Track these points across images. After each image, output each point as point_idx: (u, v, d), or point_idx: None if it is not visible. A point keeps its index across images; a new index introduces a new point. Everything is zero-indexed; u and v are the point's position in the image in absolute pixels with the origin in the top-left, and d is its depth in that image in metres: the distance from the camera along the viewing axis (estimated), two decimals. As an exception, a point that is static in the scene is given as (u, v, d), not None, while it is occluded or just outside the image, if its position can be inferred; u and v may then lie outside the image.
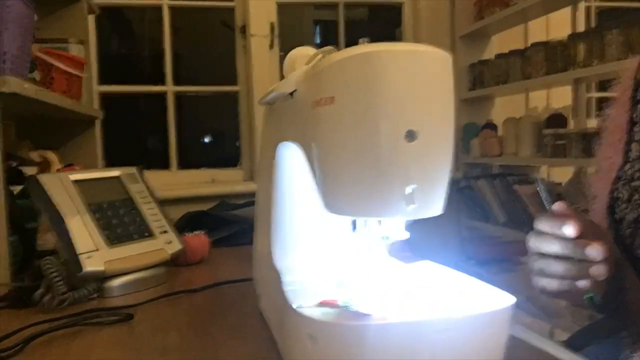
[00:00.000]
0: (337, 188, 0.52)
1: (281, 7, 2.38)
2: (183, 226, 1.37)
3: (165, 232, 1.07)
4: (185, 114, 2.21)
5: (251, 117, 2.13)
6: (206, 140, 2.22)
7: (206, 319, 0.81)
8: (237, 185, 2.12)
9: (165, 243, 1.05)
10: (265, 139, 0.80)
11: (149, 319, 0.81)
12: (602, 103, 0.87)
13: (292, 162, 0.70)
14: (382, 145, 0.48)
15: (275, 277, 0.65)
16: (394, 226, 0.54)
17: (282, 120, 0.67)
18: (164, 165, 2.11)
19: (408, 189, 0.48)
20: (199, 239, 1.15)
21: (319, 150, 0.52)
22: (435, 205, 0.51)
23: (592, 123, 2.50)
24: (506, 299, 0.53)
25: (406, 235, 0.53)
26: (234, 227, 1.36)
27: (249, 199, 1.69)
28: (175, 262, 1.12)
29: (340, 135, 0.50)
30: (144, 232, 1.04)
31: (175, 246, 1.06)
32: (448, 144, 0.50)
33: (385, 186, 0.48)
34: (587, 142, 1.99)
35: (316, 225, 0.72)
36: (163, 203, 1.13)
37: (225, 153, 2.26)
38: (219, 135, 2.26)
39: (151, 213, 1.09)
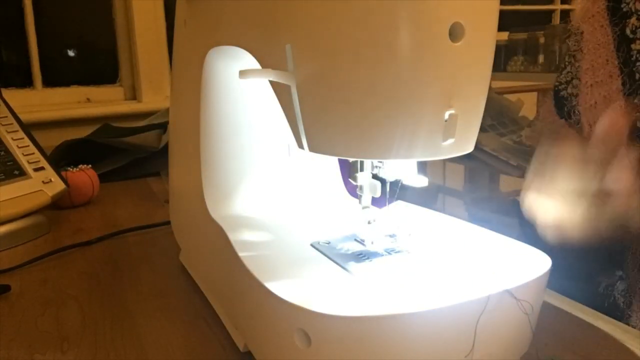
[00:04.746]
0: (328, 115, 0.35)
1: None
2: (60, 158, 1.13)
3: (41, 168, 0.84)
4: (46, 20, 1.83)
5: (130, 22, 1.81)
6: (74, 51, 1.87)
7: (112, 285, 0.62)
8: (118, 106, 1.83)
9: (43, 183, 0.82)
10: (183, 44, 0.59)
11: (33, 289, 0.61)
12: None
13: (229, 76, 0.52)
14: (417, 46, 0.31)
15: (216, 233, 0.48)
16: (403, 168, 0.39)
17: (217, 14, 0.47)
18: (25, 82, 1.76)
19: (446, 114, 0.33)
20: (85, 175, 0.93)
21: (304, 55, 0.34)
22: (470, 140, 0.36)
23: None
24: (542, 260, 0.41)
25: (424, 181, 0.38)
26: (126, 157, 1.14)
27: (136, 122, 1.45)
28: (57, 206, 0.90)
29: (340, 30, 0.32)
30: (12, 170, 0.80)
31: (57, 186, 0.83)
32: (491, 51, 0.35)
33: (414, 109, 0.32)
34: None
35: (265, 164, 0.55)
36: (29, 128, 0.89)
37: (99, 67, 1.93)
38: (90, 45, 1.92)
39: (20, 145, 0.84)
